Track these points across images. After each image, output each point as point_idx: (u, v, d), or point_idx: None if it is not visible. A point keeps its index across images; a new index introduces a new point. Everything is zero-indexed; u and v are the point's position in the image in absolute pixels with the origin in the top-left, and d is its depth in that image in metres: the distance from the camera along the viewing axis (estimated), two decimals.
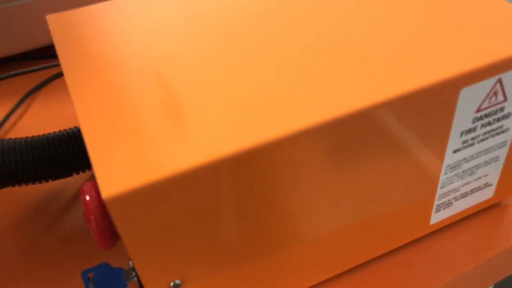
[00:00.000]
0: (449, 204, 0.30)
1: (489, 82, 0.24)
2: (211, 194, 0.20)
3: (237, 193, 0.21)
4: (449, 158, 0.27)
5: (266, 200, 0.22)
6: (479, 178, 0.29)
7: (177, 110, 0.21)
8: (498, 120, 0.27)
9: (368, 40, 0.25)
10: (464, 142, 0.27)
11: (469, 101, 0.25)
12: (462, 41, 0.25)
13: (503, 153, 0.29)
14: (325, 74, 0.23)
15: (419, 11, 0.27)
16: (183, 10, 0.29)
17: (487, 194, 0.31)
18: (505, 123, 0.27)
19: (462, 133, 0.26)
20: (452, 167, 0.27)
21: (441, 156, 0.26)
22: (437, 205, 0.29)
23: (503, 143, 0.28)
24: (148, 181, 0.19)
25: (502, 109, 0.26)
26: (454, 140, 0.26)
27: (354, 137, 0.22)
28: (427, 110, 0.24)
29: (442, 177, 0.28)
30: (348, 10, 0.28)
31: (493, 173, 0.30)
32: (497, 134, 0.27)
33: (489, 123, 0.27)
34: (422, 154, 0.26)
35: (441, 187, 0.28)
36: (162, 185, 0.19)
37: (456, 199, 0.30)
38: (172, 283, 0.22)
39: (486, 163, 0.29)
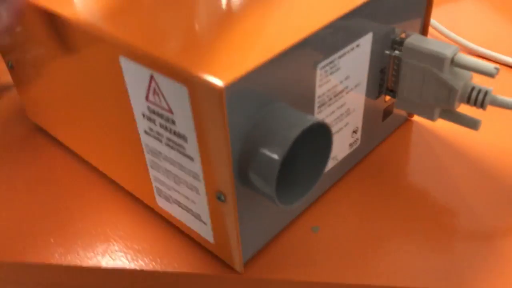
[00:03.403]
0: (167, 198, 0.28)
1: (144, 72, 0.23)
2: None
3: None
4: (143, 137, 0.27)
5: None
6: (186, 198, 0.26)
7: None
8: (171, 132, 0.24)
9: None
10: (150, 130, 0.26)
11: (133, 78, 0.24)
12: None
13: (197, 185, 0.25)
14: None
15: None
16: None
17: (205, 231, 0.27)
18: (185, 146, 0.24)
19: (143, 115, 0.25)
20: (150, 152, 0.27)
21: (133, 125, 0.27)
22: (156, 188, 0.29)
23: (192, 174, 0.24)
24: None
25: (170, 121, 0.24)
26: (139, 118, 0.26)
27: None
28: (97, 62, 0.26)
29: (146, 155, 0.27)
30: None
31: (198, 207, 0.26)
32: (179, 152, 0.24)
33: (162, 126, 0.24)
34: (116, 103, 0.27)
35: (151, 167, 0.28)
36: None
37: (171, 200, 0.28)
38: None
39: (179, 182, 0.26)
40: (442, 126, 0.36)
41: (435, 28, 0.45)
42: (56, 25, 0.27)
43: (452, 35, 0.44)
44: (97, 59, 0.26)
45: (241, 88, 0.21)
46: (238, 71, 0.21)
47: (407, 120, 0.37)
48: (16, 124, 0.40)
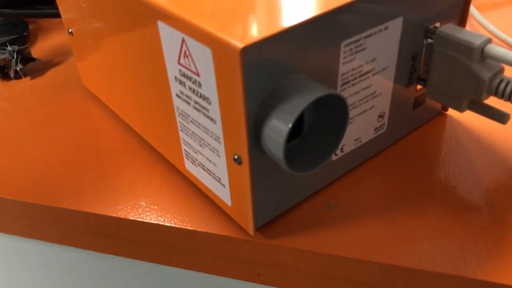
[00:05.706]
0: (193, 161, 0.30)
1: (177, 36, 0.25)
2: None
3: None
4: (175, 100, 0.28)
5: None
6: (209, 161, 0.28)
7: None
8: (198, 94, 0.26)
9: None
10: (181, 93, 0.28)
11: (168, 41, 0.26)
12: None
13: (218, 148, 0.26)
14: None
15: None
16: None
17: (224, 193, 0.28)
18: (209, 108, 0.26)
19: (176, 79, 0.27)
20: (180, 114, 0.29)
21: (168, 89, 0.29)
22: (185, 151, 0.31)
23: (214, 136, 0.26)
24: None
25: (197, 83, 0.25)
26: (172, 81, 0.28)
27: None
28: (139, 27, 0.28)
29: (177, 118, 0.29)
30: None
31: (218, 170, 0.27)
32: (204, 114, 0.26)
33: (191, 89, 0.26)
34: (156, 73, 0.29)
35: (180, 130, 0.30)
36: None
37: (197, 163, 0.30)
38: None
39: (204, 145, 0.27)
40: (475, 120, 0.36)
41: (485, 27, 0.45)
42: None
43: (502, 34, 0.44)
44: (139, 26, 0.28)
45: (260, 52, 0.22)
46: (258, 35, 0.22)
47: (440, 113, 0.37)
48: (72, 88, 0.43)
